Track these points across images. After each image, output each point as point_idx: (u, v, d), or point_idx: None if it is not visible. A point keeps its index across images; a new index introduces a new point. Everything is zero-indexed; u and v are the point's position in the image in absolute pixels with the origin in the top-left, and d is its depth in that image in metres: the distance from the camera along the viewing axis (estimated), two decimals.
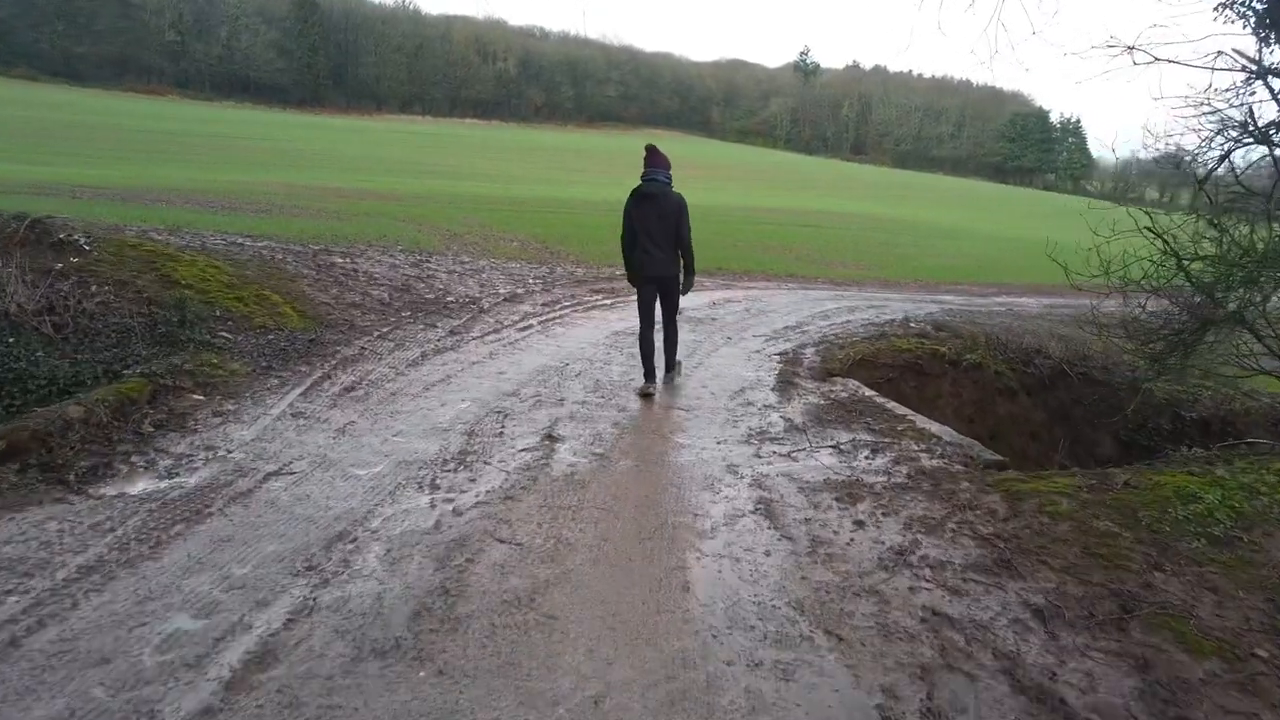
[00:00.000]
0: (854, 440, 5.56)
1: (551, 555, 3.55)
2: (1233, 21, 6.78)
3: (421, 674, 2.65)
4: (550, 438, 5.23)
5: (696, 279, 6.72)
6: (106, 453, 4.45)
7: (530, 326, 8.57)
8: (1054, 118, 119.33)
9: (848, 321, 10.54)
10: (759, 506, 4.27)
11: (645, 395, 6.41)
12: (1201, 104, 6.42)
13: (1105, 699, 2.62)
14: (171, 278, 7.48)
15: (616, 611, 3.10)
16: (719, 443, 5.39)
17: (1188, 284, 6.53)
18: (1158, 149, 7.04)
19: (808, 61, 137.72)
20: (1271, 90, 6.32)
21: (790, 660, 2.82)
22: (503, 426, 5.40)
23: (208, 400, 5.42)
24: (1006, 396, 8.88)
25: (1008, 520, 4.01)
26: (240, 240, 10.21)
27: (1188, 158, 6.83)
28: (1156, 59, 6.39)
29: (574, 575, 3.38)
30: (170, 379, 5.54)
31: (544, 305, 9.83)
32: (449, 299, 9.44)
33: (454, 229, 15.17)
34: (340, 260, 10.18)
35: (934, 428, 5.99)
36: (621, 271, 12.50)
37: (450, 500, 4.13)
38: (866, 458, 5.20)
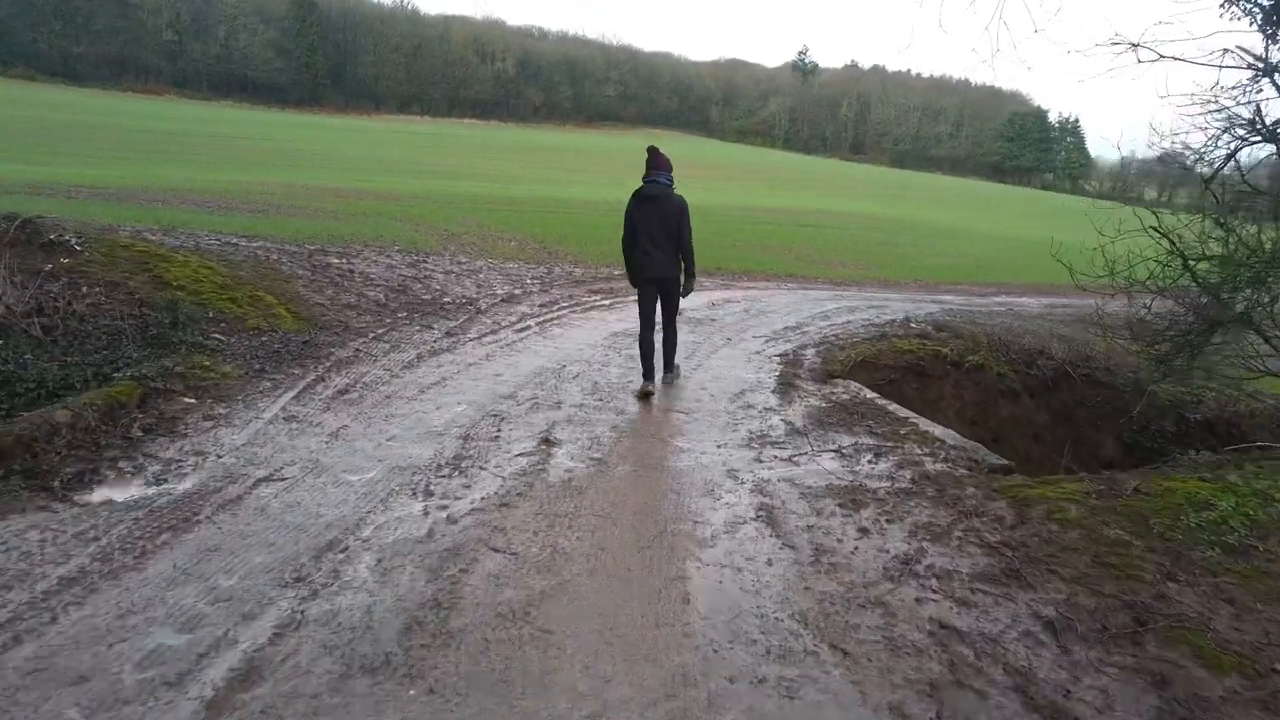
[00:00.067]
0: (856, 444, 5.47)
1: (547, 565, 3.46)
2: (1238, 19, 6.69)
3: (411, 692, 2.55)
4: (547, 442, 5.13)
5: (696, 280, 6.64)
6: (94, 458, 4.35)
7: (528, 328, 8.47)
8: (1052, 117, 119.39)
9: (848, 322, 10.45)
10: (760, 513, 4.17)
11: (644, 396, 6.33)
12: (1208, 102, 6.32)
13: (1123, 719, 2.52)
14: (164, 279, 7.37)
15: (614, 625, 3.00)
16: (719, 447, 5.30)
17: (1194, 285, 6.44)
18: (1163, 147, 6.94)
19: (806, 61, 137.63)
20: (1278, 87, 6.23)
21: (794, 677, 2.73)
22: (499, 430, 5.30)
23: (199, 404, 5.32)
24: (1009, 398, 8.79)
25: (1015, 528, 3.91)
26: (235, 240, 10.11)
27: (1193, 156, 6.74)
28: (1161, 56, 6.29)
29: (570, 586, 3.28)
30: (161, 382, 5.44)
31: (542, 306, 9.73)
32: (446, 300, 9.34)
33: (452, 229, 15.06)
34: (336, 261, 10.08)
35: (937, 431, 5.89)
36: (620, 272, 12.47)
37: (444, 507, 4.03)
38: (869, 462, 5.11)
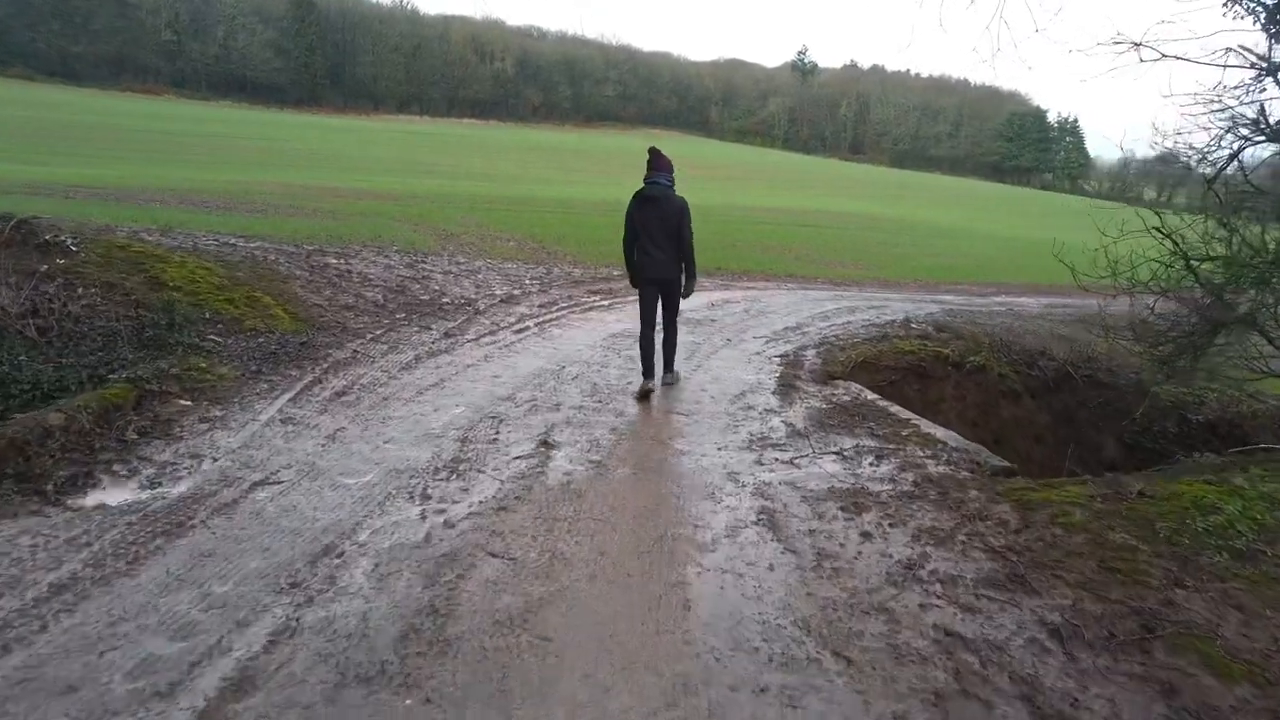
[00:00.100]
0: (858, 446, 5.42)
1: (546, 571, 3.41)
2: (1241, 18, 6.65)
3: (408, 702, 2.50)
4: (546, 444, 5.09)
5: (696, 280, 6.61)
6: (87, 461, 4.30)
7: (526, 329, 8.42)
8: (1051, 117, 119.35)
9: (848, 322, 10.40)
10: (761, 517, 4.13)
11: (644, 395, 6.31)
12: (1212, 101, 6.28)
13: None
14: (161, 279, 7.33)
15: (614, 633, 2.95)
16: (719, 449, 5.25)
17: (1197, 286, 6.40)
18: (1166, 147, 6.90)
19: (805, 61, 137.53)
20: None
21: (797, 685, 2.68)
22: (497, 433, 5.25)
23: (195, 406, 5.27)
24: (1011, 399, 8.75)
25: (1019, 532, 3.87)
26: (233, 241, 10.07)
27: (1196, 156, 6.69)
28: (1164, 56, 6.25)
29: (569, 592, 3.24)
30: (156, 384, 5.39)
31: (540, 307, 9.68)
32: (444, 300, 9.29)
33: (450, 229, 15.01)
34: (334, 261, 10.03)
35: (939, 432, 5.85)
36: (619, 272, 12.43)
37: (442, 511, 3.98)
38: (871, 464, 5.06)
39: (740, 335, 9.06)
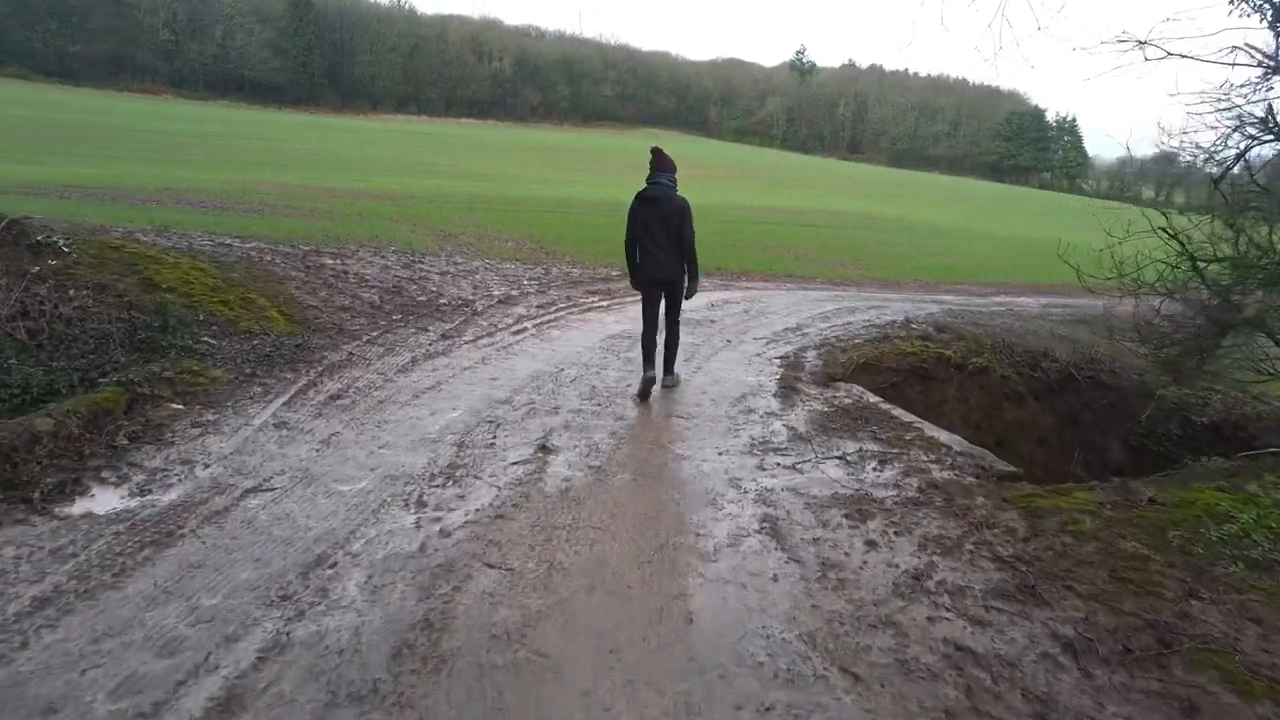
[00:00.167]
0: (860, 450, 5.34)
1: (544, 582, 3.32)
2: (1248, 15, 6.57)
3: None
4: (544, 449, 5.00)
5: (699, 280, 6.54)
6: (76, 468, 4.21)
7: (524, 330, 8.33)
8: (1050, 116, 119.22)
9: (848, 323, 10.32)
10: (764, 525, 4.04)
11: (646, 385, 6.28)
12: (1219, 100, 6.19)
13: None
14: (154, 281, 7.24)
15: (614, 648, 2.86)
16: (720, 453, 5.17)
17: (1203, 287, 6.32)
18: (1172, 146, 6.82)
19: (804, 60, 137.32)
20: None
21: (803, 704, 2.60)
22: (494, 437, 5.17)
23: (187, 410, 5.18)
24: (1014, 402, 8.67)
25: (1028, 540, 3.78)
26: (228, 241, 9.98)
27: (1203, 155, 6.61)
28: (1169, 54, 6.17)
29: (568, 605, 3.15)
30: (148, 387, 5.30)
31: (539, 307, 9.59)
32: (441, 301, 9.19)
33: (448, 229, 14.92)
34: (330, 261, 9.94)
35: (943, 436, 5.77)
36: (618, 272, 12.34)
37: (437, 520, 3.89)
38: (874, 469, 4.98)
39: (740, 336, 8.98)
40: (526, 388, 6.31)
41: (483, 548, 3.61)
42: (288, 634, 2.85)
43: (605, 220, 17.54)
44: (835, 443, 5.50)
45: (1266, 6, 6.46)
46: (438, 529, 3.78)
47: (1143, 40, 6.19)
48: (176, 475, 4.23)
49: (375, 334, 7.52)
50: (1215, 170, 6.52)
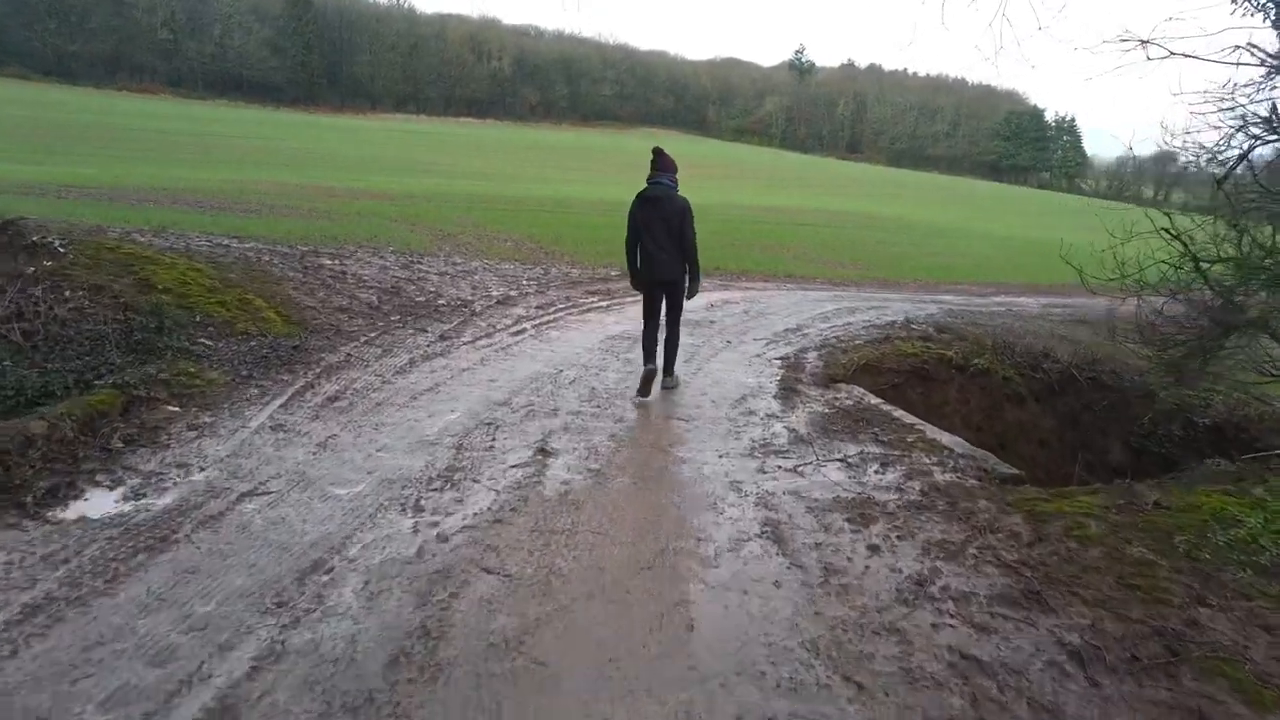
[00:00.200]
0: (862, 453, 5.30)
1: (543, 588, 3.27)
2: (1251, 14, 6.53)
3: None
4: (543, 452, 4.95)
5: (700, 280, 6.51)
6: (70, 472, 4.16)
7: (523, 330, 8.28)
8: (1048, 116, 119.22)
9: (848, 324, 10.28)
10: (766, 529, 4.00)
11: (645, 383, 6.27)
12: (1223, 99, 6.16)
13: None
14: (150, 282, 7.18)
15: (614, 656, 2.82)
16: (721, 456, 5.12)
17: (1206, 288, 6.28)
18: (1175, 146, 6.78)
19: (802, 60, 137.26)
20: None
21: (807, 714, 2.55)
22: (493, 439, 5.12)
23: (183, 412, 5.13)
24: (1015, 403, 8.63)
25: (1033, 545, 3.74)
26: (226, 242, 9.93)
27: (1206, 155, 6.58)
28: (1172, 53, 6.14)
29: (567, 612, 3.10)
30: (144, 389, 5.25)
31: (538, 308, 9.54)
32: (440, 302, 9.15)
33: (447, 229, 14.87)
34: (328, 262, 9.89)
35: (945, 438, 5.73)
36: (617, 272, 12.30)
37: (435, 524, 3.85)
38: (876, 472, 4.94)
39: (740, 337, 8.93)
40: (525, 389, 6.27)
41: (481, 553, 3.56)
42: (282, 642, 2.80)
43: (604, 220, 17.49)
44: (837, 445, 5.45)
45: (1270, 6, 6.42)
46: (435, 534, 3.74)
47: (1145, 39, 6.15)
48: (171, 479, 4.18)
49: (373, 335, 7.48)
50: (1218, 170, 6.49)
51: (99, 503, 3.87)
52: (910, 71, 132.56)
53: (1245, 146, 6.31)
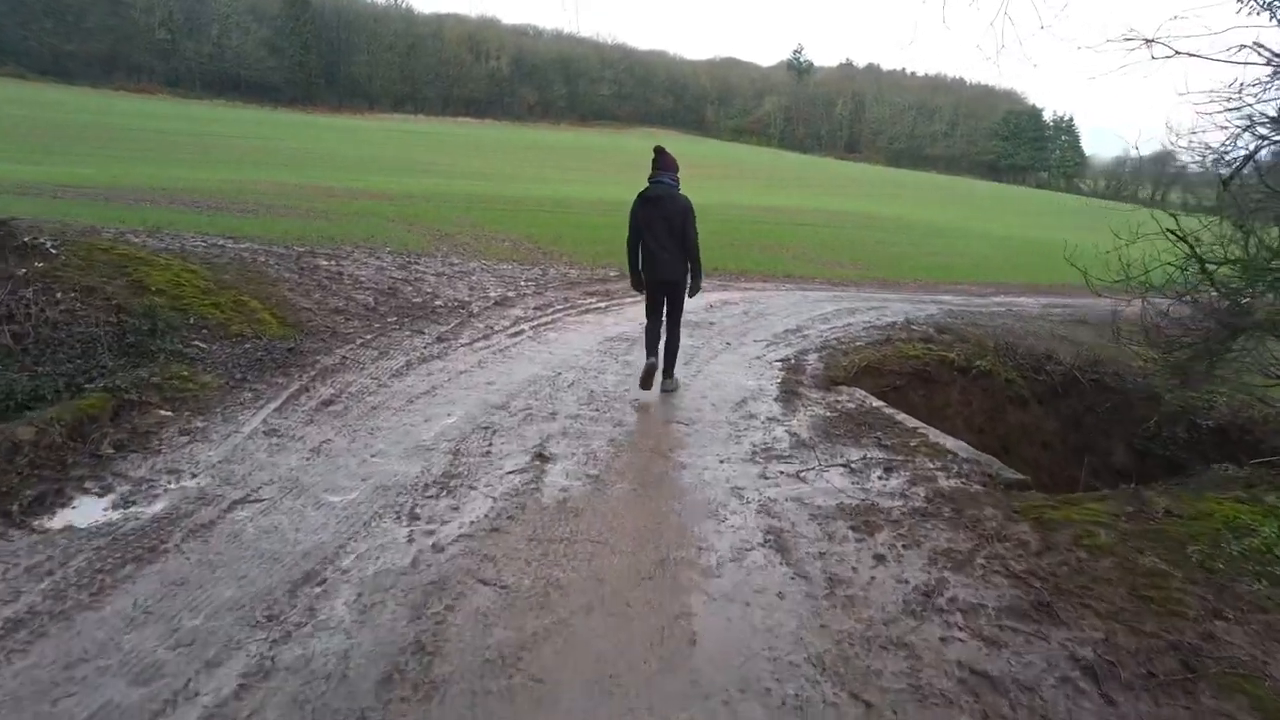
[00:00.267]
0: (865, 458, 5.22)
1: (541, 601, 3.19)
2: (1257, 13, 6.46)
3: None
4: (541, 457, 4.87)
5: (701, 280, 6.44)
6: (58, 478, 4.07)
7: (521, 332, 8.19)
8: (1047, 116, 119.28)
9: (849, 325, 10.20)
10: (768, 538, 3.92)
11: (647, 376, 6.22)
12: (1229, 99, 6.08)
13: None
14: (144, 283, 7.09)
15: (614, 672, 2.73)
16: (721, 461, 5.04)
17: (1212, 289, 6.21)
18: (1180, 146, 6.71)
19: (801, 60, 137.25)
20: None
21: None
22: (490, 444, 5.03)
23: (175, 417, 5.04)
24: (1017, 405, 8.55)
25: (1041, 554, 3.66)
26: (221, 242, 9.83)
27: (1211, 156, 6.50)
28: (1177, 53, 6.06)
29: (565, 626, 3.02)
30: (136, 393, 5.16)
31: (536, 309, 9.45)
32: (437, 303, 9.06)
33: (445, 229, 14.78)
34: (325, 263, 9.80)
35: (948, 442, 5.65)
36: (616, 273, 12.21)
37: (430, 533, 3.76)
38: (880, 478, 4.86)
39: (740, 339, 8.85)
40: (523, 393, 6.18)
41: (477, 563, 3.48)
42: (272, 658, 2.72)
43: (603, 220, 17.41)
44: (839, 449, 5.38)
45: (1276, 5, 6.35)
46: (430, 543, 3.65)
47: (1150, 39, 6.08)
48: (162, 485, 4.09)
49: (369, 337, 7.39)
50: (1224, 171, 6.42)
51: (87, 511, 3.78)
52: (908, 71, 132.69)
53: (1252, 147, 6.24)
